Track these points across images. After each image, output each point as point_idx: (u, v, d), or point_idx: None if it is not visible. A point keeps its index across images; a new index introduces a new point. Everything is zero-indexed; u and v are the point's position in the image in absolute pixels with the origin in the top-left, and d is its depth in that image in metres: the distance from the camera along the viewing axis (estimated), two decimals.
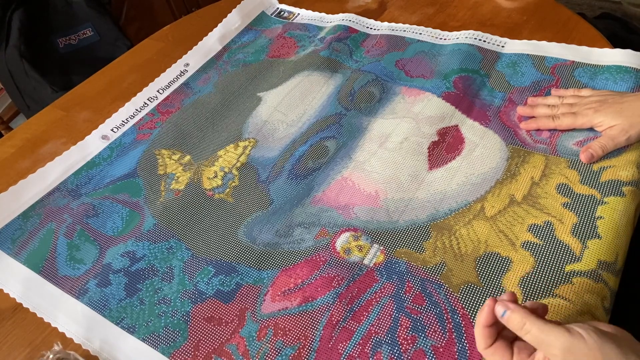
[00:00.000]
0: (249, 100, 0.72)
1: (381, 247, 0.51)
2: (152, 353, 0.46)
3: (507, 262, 0.48)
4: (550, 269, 0.46)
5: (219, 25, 0.86)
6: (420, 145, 0.60)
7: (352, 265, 0.50)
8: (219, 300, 0.49)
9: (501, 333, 0.38)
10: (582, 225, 0.49)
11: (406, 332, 0.44)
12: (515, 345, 0.38)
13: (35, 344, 0.49)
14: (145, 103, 0.74)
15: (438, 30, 0.77)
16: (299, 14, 0.88)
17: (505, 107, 0.63)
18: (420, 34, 0.78)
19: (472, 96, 0.65)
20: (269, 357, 0.44)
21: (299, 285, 0.49)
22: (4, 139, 0.74)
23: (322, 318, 0.46)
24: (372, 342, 0.44)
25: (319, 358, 0.44)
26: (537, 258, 0.47)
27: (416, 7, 0.84)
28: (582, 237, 0.48)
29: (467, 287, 0.47)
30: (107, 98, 0.77)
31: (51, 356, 0.45)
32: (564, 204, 0.51)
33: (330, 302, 0.47)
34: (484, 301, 0.44)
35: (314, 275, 0.50)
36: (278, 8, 0.90)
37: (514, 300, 0.37)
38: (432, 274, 0.48)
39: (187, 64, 0.80)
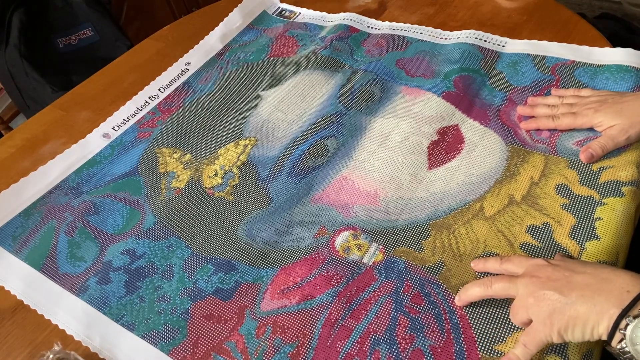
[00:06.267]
0: (249, 99, 0.72)
1: (380, 246, 0.51)
2: (151, 350, 0.46)
3: None
4: None
5: (221, 24, 0.86)
6: (420, 144, 0.60)
7: (351, 263, 0.50)
8: (218, 298, 0.49)
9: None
10: (580, 227, 0.49)
11: (404, 331, 0.44)
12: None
13: (35, 344, 0.49)
14: (147, 101, 0.74)
15: (439, 30, 0.77)
16: (300, 13, 0.88)
17: (506, 106, 0.63)
18: (421, 33, 0.78)
19: (472, 96, 0.65)
20: (267, 355, 0.44)
21: (298, 284, 0.49)
22: (4, 139, 0.74)
23: (321, 316, 0.46)
24: (370, 340, 0.44)
25: (317, 356, 0.44)
26: None
27: (416, 7, 0.85)
28: (580, 240, 0.48)
29: None
30: (107, 98, 0.77)
31: (51, 356, 0.45)
32: (562, 205, 0.51)
33: (329, 301, 0.47)
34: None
35: (313, 274, 0.50)
36: (279, 7, 0.90)
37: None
38: (430, 273, 0.48)
39: (189, 63, 0.80)
